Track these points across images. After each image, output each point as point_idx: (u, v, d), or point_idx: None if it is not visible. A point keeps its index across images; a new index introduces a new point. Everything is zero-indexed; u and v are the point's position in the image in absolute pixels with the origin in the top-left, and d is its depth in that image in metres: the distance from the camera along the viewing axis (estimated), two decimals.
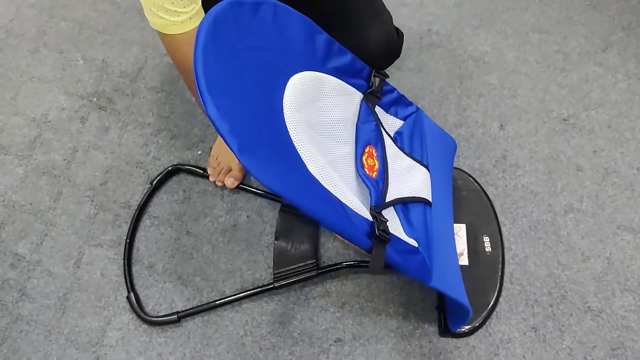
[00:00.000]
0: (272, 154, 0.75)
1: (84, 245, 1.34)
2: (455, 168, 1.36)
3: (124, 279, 1.28)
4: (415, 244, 0.93)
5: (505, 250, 1.28)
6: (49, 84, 1.57)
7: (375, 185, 0.91)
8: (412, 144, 1.08)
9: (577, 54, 1.54)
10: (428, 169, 1.08)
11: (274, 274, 1.23)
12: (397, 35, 1.21)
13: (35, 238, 1.35)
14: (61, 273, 1.30)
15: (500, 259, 1.27)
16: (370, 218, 0.85)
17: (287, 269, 1.24)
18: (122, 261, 1.30)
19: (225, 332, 1.22)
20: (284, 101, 0.82)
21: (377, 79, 1.03)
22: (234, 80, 0.74)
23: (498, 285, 1.24)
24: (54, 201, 1.40)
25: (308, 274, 1.22)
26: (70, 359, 1.21)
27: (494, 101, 1.48)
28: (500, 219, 1.31)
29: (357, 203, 0.84)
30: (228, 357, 1.20)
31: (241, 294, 1.23)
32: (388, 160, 0.99)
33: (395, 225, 0.94)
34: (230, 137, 0.68)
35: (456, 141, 1.34)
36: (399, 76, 1.53)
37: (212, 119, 0.68)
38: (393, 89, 1.09)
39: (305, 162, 0.79)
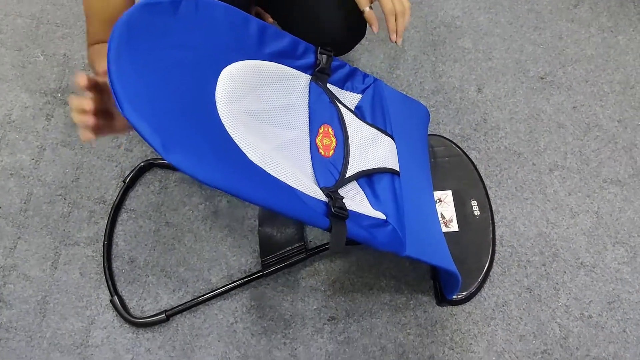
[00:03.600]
0: (206, 148, 0.71)
1: (60, 245, 1.28)
2: (435, 135, 1.34)
3: (104, 277, 1.23)
4: (383, 217, 0.90)
5: (494, 213, 1.26)
6: (9, 83, 1.50)
7: (330, 165, 0.89)
8: (374, 115, 1.05)
9: (548, 11, 1.52)
10: (393, 139, 1.05)
11: (262, 261, 1.19)
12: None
13: (8, 242, 1.29)
14: (38, 276, 1.25)
15: (490, 222, 1.24)
16: (325, 198, 0.83)
17: (275, 254, 1.20)
18: (102, 260, 1.25)
19: (215, 320, 1.18)
20: (216, 94, 0.79)
21: (324, 56, 1.00)
22: (154, 81, 0.71)
23: (491, 248, 1.22)
24: (25, 203, 1.34)
25: (297, 258, 1.19)
26: None
27: (470, 65, 1.46)
28: (486, 182, 1.29)
29: (311, 185, 0.81)
30: (220, 346, 1.16)
31: (230, 285, 1.19)
32: (349, 133, 0.96)
33: (360, 200, 0.91)
34: (152, 138, 0.65)
35: (435, 108, 1.32)
36: (371, 48, 1.49)
37: (131, 122, 0.65)
38: (344, 64, 1.05)
39: (245, 151, 0.76)
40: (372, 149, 0.98)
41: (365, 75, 1.08)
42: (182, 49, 0.77)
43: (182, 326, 1.18)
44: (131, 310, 1.21)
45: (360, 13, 1.05)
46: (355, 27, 1.11)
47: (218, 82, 0.80)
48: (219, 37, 0.83)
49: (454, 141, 1.34)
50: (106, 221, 1.29)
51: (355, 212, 0.86)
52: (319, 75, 0.99)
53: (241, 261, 1.24)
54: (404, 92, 1.40)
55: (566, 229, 1.24)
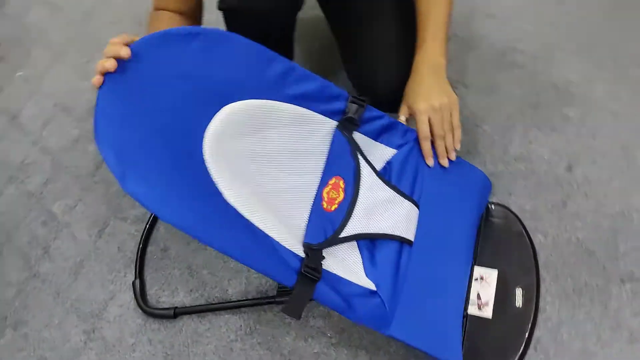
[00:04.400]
0: (172, 184, 0.72)
1: (111, 216, 1.36)
2: (500, 206, 1.21)
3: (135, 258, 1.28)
4: (373, 287, 0.82)
5: (539, 310, 1.11)
6: None
7: (327, 221, 0.83)
8: (401, 175, 0.96)
9: None
10: (417, 204, 0.95)
11: (279, 287, 1.17)
12: None
13: (71, 201, 1.39)
14: (84, 239, 1.33)
15: (531, 319, 1.10)
16: (302, 254, 0.77)
17: None
18: (139, 240, 1.30)
19: (218, 332, 1.18)
20: (207, 131, 0.79)
21: (355, 106, 0.93)
22: (135, 110, 0.75)
23: (522, 350, 1.08)
24: (97, 168, 1.43)
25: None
26: (71, 324, 1.23)
27: (568, 138, 1.29)
28: (542, 272, 1.14)
29: (288, 237, 0.76)
30: (213, 359, 1.15)
31: (241, 301, 1.19)
32: (360, 192, 0.89)
33: (352, 263, 0.84)
34: (115, 165, 0.70)
35: (513, 176, 1.20)
36: (464, 94, 1.39)
37: (99, 149, 0.72)
38: (382, 115, 0.98)
39: (222, 191, 0.75)
40: (381, 212, 0.91)
41: (408, 130, 1.00)
42: (184, 81, 0.77)
43: (187, 328, 1.19)
44: (148, 297, 1.24)
45: None
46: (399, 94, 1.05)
47: (213, 119, 0.79)
48: (231, 73, 0.82)
49: (521, 217, 1.20)
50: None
51: (336, 275, 0.80)
52: (346, 125, 0.93)
53: (262, 281, 1.23)
54: (484, 151, 1.29)
55: (618, 353, 1.06)
